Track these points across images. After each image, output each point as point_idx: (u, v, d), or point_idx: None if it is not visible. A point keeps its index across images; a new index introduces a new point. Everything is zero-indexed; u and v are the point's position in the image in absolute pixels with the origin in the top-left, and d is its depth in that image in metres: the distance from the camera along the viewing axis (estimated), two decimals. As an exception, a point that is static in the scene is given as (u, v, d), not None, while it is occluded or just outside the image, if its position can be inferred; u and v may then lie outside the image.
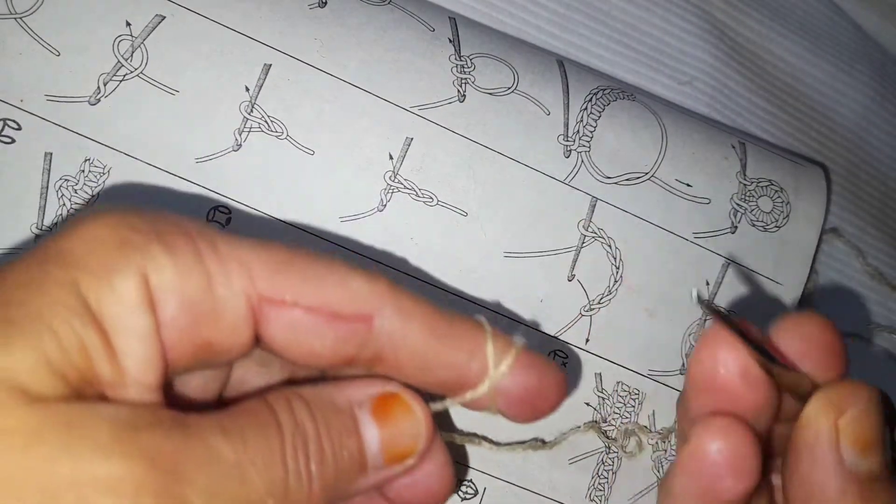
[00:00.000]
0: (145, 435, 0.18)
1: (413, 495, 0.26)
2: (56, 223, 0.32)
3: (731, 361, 0.23)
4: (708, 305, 0.24)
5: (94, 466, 0.18)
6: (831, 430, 0.23)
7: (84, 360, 0.19)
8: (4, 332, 0.18)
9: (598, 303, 0.37)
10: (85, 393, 0.19)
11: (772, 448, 0.26)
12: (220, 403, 0.25)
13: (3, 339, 0.18)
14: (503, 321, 0.36)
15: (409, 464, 0.24)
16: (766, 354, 0.23)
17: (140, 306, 0.20)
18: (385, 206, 0.35)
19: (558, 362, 0.36)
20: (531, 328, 0.36)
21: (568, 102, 0.37)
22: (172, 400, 0.23)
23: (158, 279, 0.20)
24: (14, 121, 0.32)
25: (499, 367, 0.24)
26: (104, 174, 0.32)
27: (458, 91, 0.36)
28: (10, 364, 0.18)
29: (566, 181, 0.37)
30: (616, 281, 0.37)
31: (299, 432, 0.21)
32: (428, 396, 0.26)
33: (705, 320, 0.38)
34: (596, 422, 0.36)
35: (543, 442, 0.36)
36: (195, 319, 0.21)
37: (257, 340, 0.23)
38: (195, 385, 0.24)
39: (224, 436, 0.20)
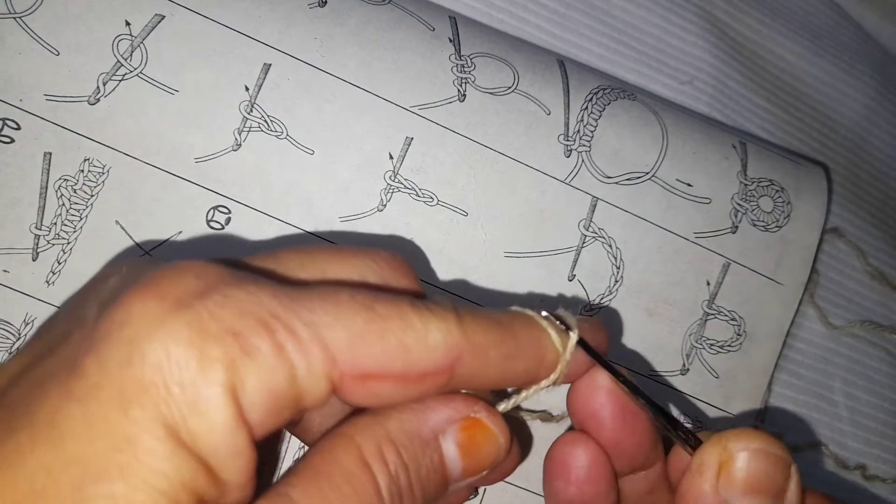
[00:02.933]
0: None
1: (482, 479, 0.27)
2: (55, 223, 0.32)
3: (600, 399, 0.28)
4: (587, 348, 0.27)
5: None
6: (715, 461, 0.25)
7: (194, 500, 0.19)
8: None
9: (599, 303, 0.37)
10: None
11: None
12: None
13: None
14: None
15: (484, 475, 0.25)
16: (643, 396, 0.27)
17: (234, 427, 0.19)
18: (385, 205, 0.34)
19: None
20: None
21: (568, 102, 0.37)
22: None
23: (244, 390, 0.19)
24: (13, 120, 0.32)
25: (564, 355, 0.26)
26: (103, 174, 0.32)
27: (459, 91, 0.36)
28: None
29: (567, 181, 0.36)
30: (616, 281, 0.37)
31: (394, 484, 0.22)
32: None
33: (705, 321, 0.38)
34: None
35: (551, 415, 0.36)
36: (280, 411, 0.20)
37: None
38: None
39: None
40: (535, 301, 0.36)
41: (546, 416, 0.36)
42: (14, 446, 0.18)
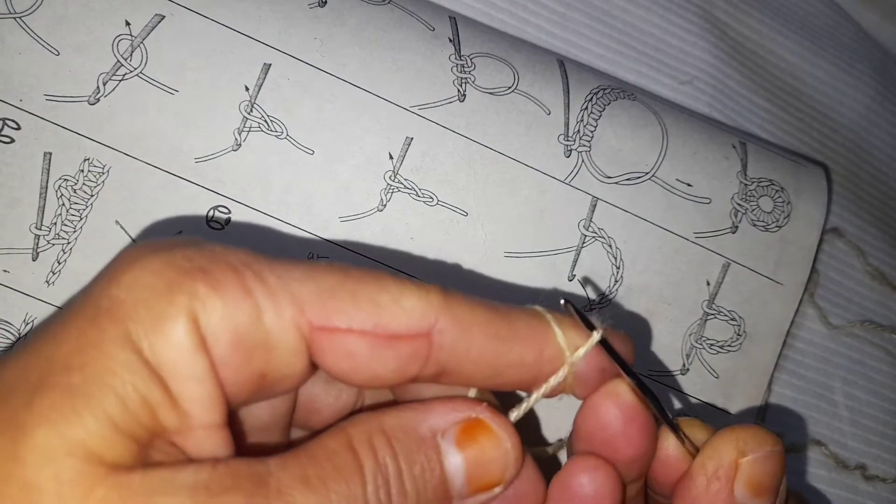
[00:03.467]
0: (226, 500, 0.19)
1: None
2: (55, 223, 0.32)
3: (619, 416, 0.25)
4: (608, 347, 0.24)
5: None
6: (731, 465, 0.24)
7: (149, 415, 0.19)
8: (71, 402, 0.18)
9: (599, 303, 0.37)
10: (155, 446, 0.19)
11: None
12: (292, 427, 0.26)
13: (70, 409, 0.18)
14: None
15: (496, 492, 0.23)
16: (656, 403, 0.25)
17: (193, 350, 0.19)
18: (385, 205, 0.34)
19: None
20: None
21: (568, 102, 0.37)
22: (243, 431, 0.23)
23: (208, 319, 0.20)
24: (13, 120, 0.32)
25: (574, 354, 0.24)
26: (103, 174, 0.32)
27: (459, 91, 0.36)
28: (82, 434, 0.18)
29: (567, 181, 0.36)
30: (616, 281, 0.37)
31: (381, 472, 0.21)
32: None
33: (705, 321, 0.38)
34: None
35: (562, 442, 0.36)
36: (248, 354, 0.20)
37: (315, 366, 0.22)
38: (263, 411, 0.24)
39: (307, 488, 0.20)
40: (536, 300, 0.36)
41: (560, 445, 0.34)
42: (5, 361, 0.20)
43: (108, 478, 0.18)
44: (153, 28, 0.32)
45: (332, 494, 0.20)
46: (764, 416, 0.41)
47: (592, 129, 0.37)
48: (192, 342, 0.19)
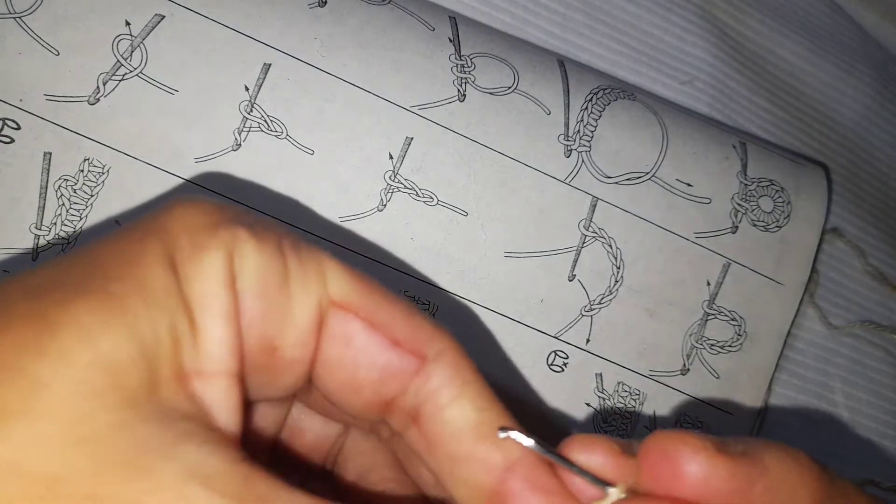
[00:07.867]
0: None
1: None
2: (55, 223, 0.32)
3: None
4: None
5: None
6: None
7: (173, 345, 0.19)
8: (107, 311, 0.18)
9: (599, 303, 0.37)
10: (168, 385, 0.18)
11: None
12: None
13: (104, 319, 0.18)
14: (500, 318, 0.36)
15: None
16: None
17: (224, 285, 0.20)
18: (385, 205, 0.34)
19: (559, 362, 0.36)
20: (531, 328, 0.36)
21: (568, 102, 0.37)
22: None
23: (242, 261, 0.20)
24: (13, 120, 0.32)
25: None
26: (103, 174, 0.32)
27: (459, 91, 0.36)
28: (108, 348, 0.18)
29: (567, 181, 0.36)
30: (617, 281, 0.37)
31: None
32: None
33: (706, 321, 0.38)
34: None
35: None
36: (267, 312, 0.20)
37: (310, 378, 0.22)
38: (255, 421, 0.24)
39: None
40: (536, 301, 0.36)
41: None
42: (46, 262, 0.20)
43: (121, 405, 0.17)
44: (153, 28, 0.32)
45: None
46: (764, 417, 0.41)
47: (592, 129, 0.37)
48: (223, 276, 0.20)
